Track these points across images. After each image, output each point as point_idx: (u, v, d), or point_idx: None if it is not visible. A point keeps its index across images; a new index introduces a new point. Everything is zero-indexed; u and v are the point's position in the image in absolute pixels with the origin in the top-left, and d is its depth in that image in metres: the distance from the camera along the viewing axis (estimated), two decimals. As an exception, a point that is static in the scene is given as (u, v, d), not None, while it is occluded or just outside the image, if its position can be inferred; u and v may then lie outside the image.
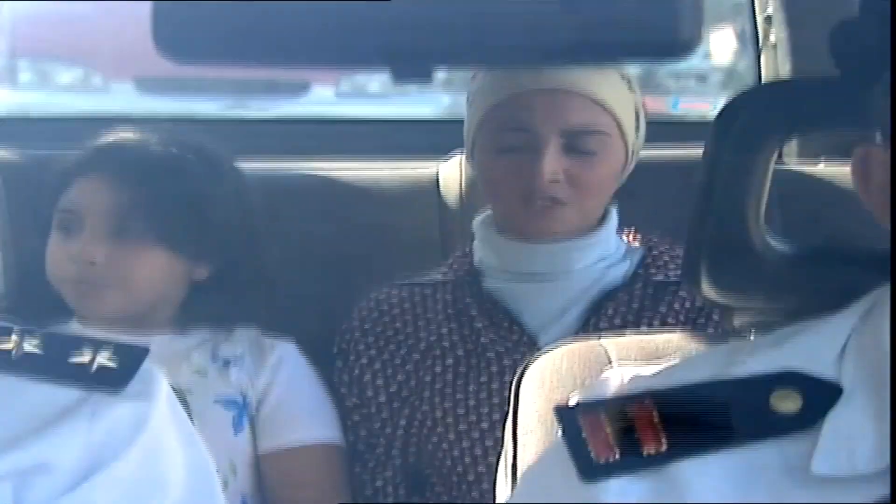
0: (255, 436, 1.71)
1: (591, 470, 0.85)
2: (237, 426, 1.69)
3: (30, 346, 1.02)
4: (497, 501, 1.06)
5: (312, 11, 0.67)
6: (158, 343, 1.07)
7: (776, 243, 1.04)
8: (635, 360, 0.95)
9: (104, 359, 1.01)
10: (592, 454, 0.86)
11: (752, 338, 1.02)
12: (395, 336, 1.71)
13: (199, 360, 1.71)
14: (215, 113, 4.57)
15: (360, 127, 2.66)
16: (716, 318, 1.63)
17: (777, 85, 1.30)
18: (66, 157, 1.74)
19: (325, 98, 5.02)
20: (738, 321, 1.06)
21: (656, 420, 0.86)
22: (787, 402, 0.85)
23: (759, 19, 2.12)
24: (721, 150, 1.03)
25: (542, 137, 1.61)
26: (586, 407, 0.89)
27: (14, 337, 1.02)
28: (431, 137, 2.00)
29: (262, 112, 4.71)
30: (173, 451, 1.03)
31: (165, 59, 0.66)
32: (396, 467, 1.71)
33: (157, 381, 1.03)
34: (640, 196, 1.74)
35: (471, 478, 1.63)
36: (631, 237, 1.76)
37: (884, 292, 0.88)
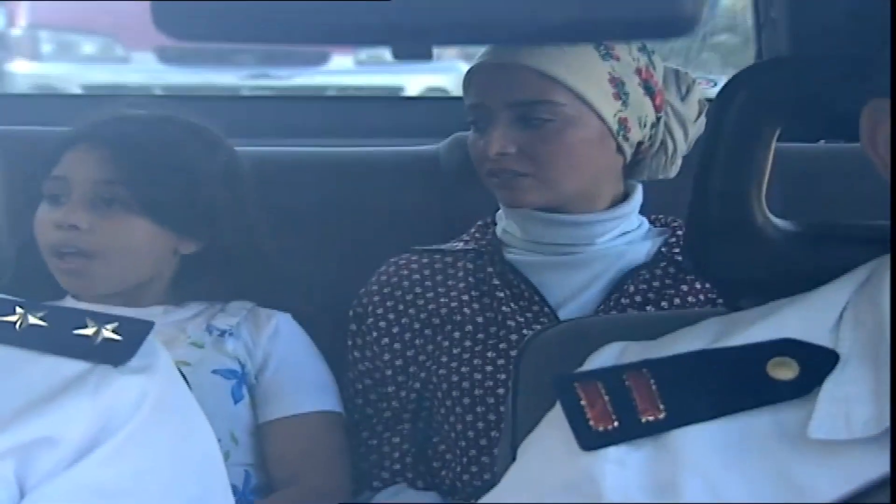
0: (255, 405, 1.72)
1: (589, 438, 0.86)
2: (236, 396, 1.70)
3: (34, 318, 1.03)
4: (499, 473, 1.07)
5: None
6: (152, 315, 1.08)
7: (777, 221, 1.04)
8: (633, 337, 0.95)
9: (108, 332, 1.02)
10: (591, 423, 0.86)
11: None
12: (414, 301, 1.71)
13: (194, 332, 1.72)
14: (235, 83, 4.66)
15: (365, 103, 2.67)
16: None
17: (777, 63, 1.30)
18: (60, 132, 1.74)
19: (344, 67, 5.08)
20: (739, 299, 1.06)
21: (654, 388, 0.87)
22: (784, 370, 0.85)
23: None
24: (722, 128, 1.03)
25: (491, 111, 1.63)
26: (584, 377, 0.90)
27: (19, 309, 1.03)
28: (438, 114, 2.00)
29: (282, 81, 4.79)
30: (176, 424, 1.03)
31: (163, 35, 0.66)
32: (405, 434, 1.71)
33: (161, 354, 1.04)
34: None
35: (483, 443, 1.64)
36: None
37: (881, 262, 0.89)
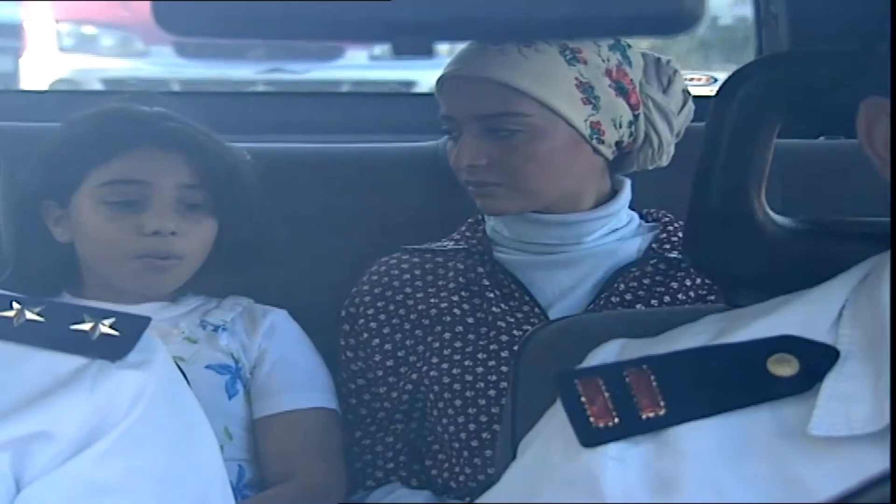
0: (250, 401, 1.72)
1: (589, 435, 0.86)
2: (230, 391, 1.70)
3: (31, 314, 1.02)
4: (498, 470, 1.07)
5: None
6: (147, 311, 1.08)
7: (777, 218, 1.04)
8: (633, 334, 0.95)
9: (106, 327, 1.02)
10: (591, 420, 0.86)
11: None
12: (404, 301, 1.71)
13: (188, 328, 1.71)
14: (250, 77, 4.79)
15: (366, 99, 2.67)
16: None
17: (778, 59, 1.30)
18: (79, 130, 1.71)
19: (358, 62, 5.15)
20: (738, 295, 1.06)
21: (654, 385, 0.86)
22: (784, 366, 0.85)
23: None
24: (723, 124, 1.03)
25: (460, 124, 1.63)
26: (585, 373, 0.90)
27: (16, 305, 1.03)
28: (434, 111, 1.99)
29: (297, 76, 4.90)
30: (174, 419, 1.03)
31: (164, 31, 0.66)
32: (398, 433, 1.71)
33: (158, 349, 1.04)
34: (642, 170, 1.74)
35: (475, 444, 1.63)
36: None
37: (881, 259, 0.89)
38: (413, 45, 0.69)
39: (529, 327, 1.62)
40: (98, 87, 5.00)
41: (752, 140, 1.02)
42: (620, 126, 1.65)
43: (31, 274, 1.68)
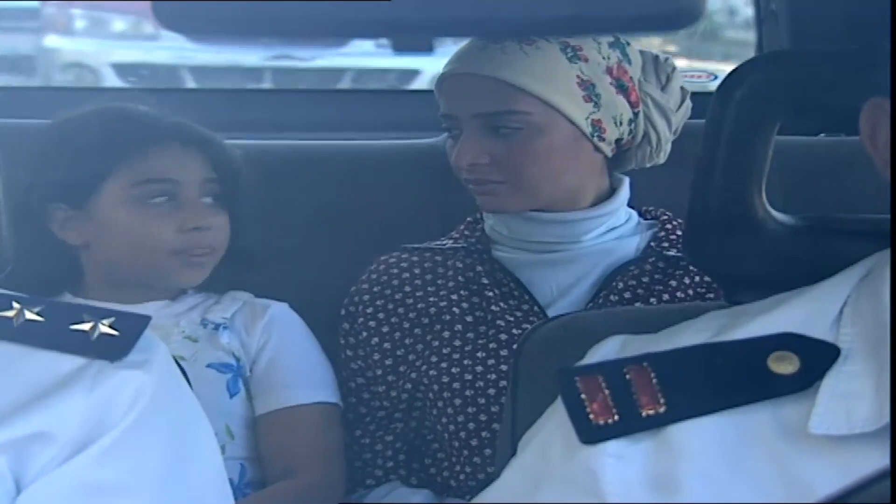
0: (251, 397, 1.72)
1: (589, 432, 0.86)
2: (232, 390, 1.70)
3: (31, 314, 1.02)
4: (498, 467, 1.07)
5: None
6: (147, 309, 1.08)
7: (777, 215, 1.04)
8: (633, 331, 0.95)
9: (105, 327, 1.01)
10: (591, 417, 0.86)
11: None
12: (403, 300, 1.71)
13: (188, 326, 1.71)
14: (259, 63, 4.89)
15: (365, 96, 2.67)
16: (724, 293, 1.64)
17: (778, 56, 1.30)
18: (90, 130, 1.70)
19: (363, 49, 5.19)
20: (739, 293, 1.06)
21: (655, 382, 0.86)
22: (785, 364, 0.85)
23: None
24: (723, 122, 1.03)
25: (459, 122, 1.63)
26: (585, 370, 0.90)
27: (16, 305, 1.03)
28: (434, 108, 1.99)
29: (304, 63, 5.00)
30: (174, 419, 1.03)
31: (164, 29, 0.66)
32: (398, 432, 1.71)
33: (158, 348, 1.03)
34: (641, 168, 1.73)
35: (474, 443, 1.63)
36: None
37: (882, 256, 0.89)
38: (413, 42, 0.69)
39: (529, 326, 1.61)
40: (109, 71, 5.10)
41: (753, 137, 1.02)
42: (621, 124, 1.65)
43: (33, 276, 1.68)
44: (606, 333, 0.95)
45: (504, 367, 1.63)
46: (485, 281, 1.69)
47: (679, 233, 1.70)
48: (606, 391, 0.87)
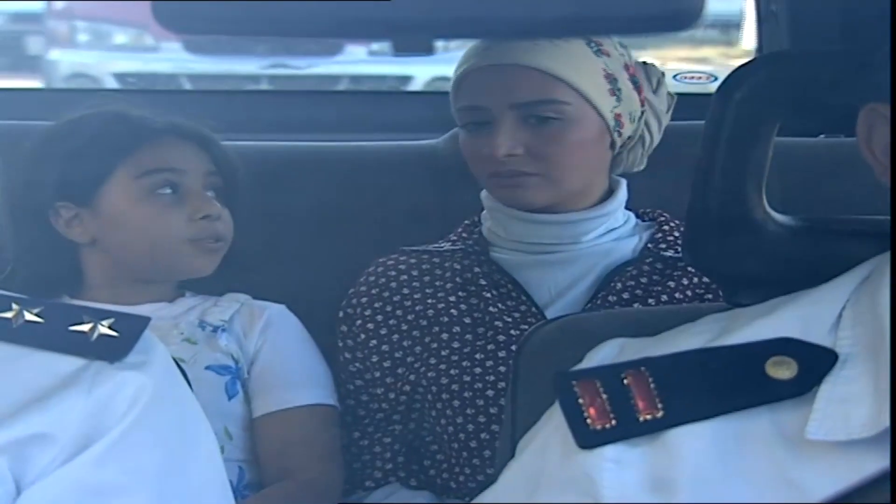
0: (248, 399, 1.72)
1: (587, 437, 0.86)
2: (230, 391, 1.70)
3: (30, 315, 1.02)
4: (498, 469, 1.06)
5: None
6: (147, 312, 1.08)
7: (777, 216, 1.04)
8: (632, 333, 0.95)
9: (105, 328, 1.01)
10: (589, 421, 0.86)
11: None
12: (401, 302, 1.71)
13: (187, 328, 1.71)
14: (255, 71, 5.12)
15: (363, 97, 2.67)
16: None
17: (777, 57, 1.30)
18: (94, 128, 1.70)
19: (357, 57, 5.37)
20: (738, 294, 1.06)
21: (653, 387, 0.86)
22: (783, 369, 0.85)
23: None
24: (722, 123, 1.03)
25: (494, 113, 1.62)
26: (583, 375, 0.89)
27: (15, 306, 1.02)
28: (432, 109, 2.00)
29: (299, 70, 5.21)
30: (173, 419, 1.03)
31: (163, 29, 0.66)
32: (396, 434, 1.71)
33: (157, 349, 1.03)
34: (641, 169, 1.74)
35: (473, 444, 1.63)
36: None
37: (881, 260, 0.88)
38: (413, 44, 0.69)
39: (527, 327, 1.62)
40: (111, 80, 5.29)
41: (752, 138, 1.02)
42: (634, 120, 1.66)
43: (33, 277, 1.68)
44: (605, 335, 0.95)
45: (502, 369, 1.63)
46: (483, 282, 1.69)
47: (677, 234, 1.70)
48: (604, 396, 0.87)
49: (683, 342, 0.90)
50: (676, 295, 1.65)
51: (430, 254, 1.74)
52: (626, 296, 1.65)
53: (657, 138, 1.70)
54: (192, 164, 1.71)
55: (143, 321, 1.03)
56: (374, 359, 1.71)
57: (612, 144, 1.66)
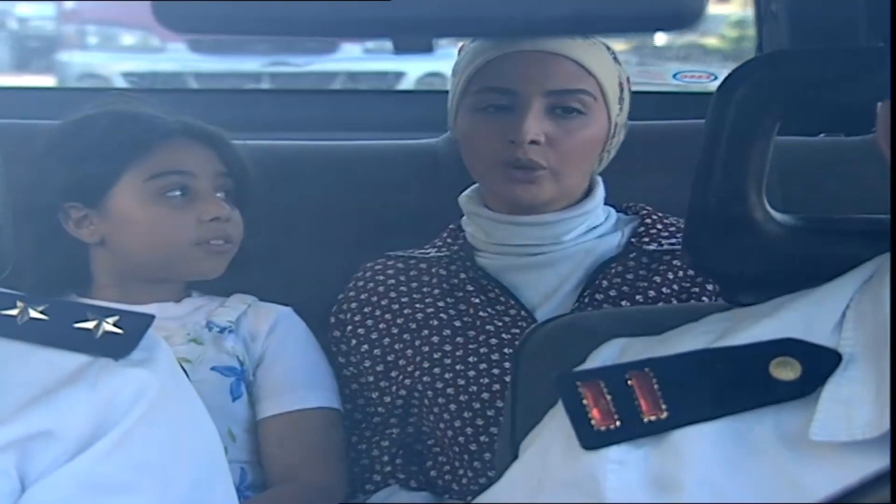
0: (253, 401, 1.72)
1: (591, 438, 0.86)
2: (235, 393, 1.70)
3: (35, 312, 1.02)
4: (498, 469, 1.07)
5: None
6: (153, 312, 1.08)
7: (777, 216, 1.04)
8: (633, 332, 0.95)
9: (109, 325, 1.02)
10: (593, 422, 0.86)
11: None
12: (389, 306, 1.71)
13: (194, 328, 1.71)
14: (257, 69, 5.42)
15: (361, 98, 2.67)
16: (710, 287, 1.64)
17: (778, 56, 1.30)
18: (103, 128, 1.70)
19: (352, 55, 5.63)
20: (739, 294, 1.06)
21: (656, 388, 0.86)
22: (787, 370, 0.85)
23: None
24: (722, 122, 1.03)
25: (526, 98, 1.61)
26: (587, 375, 0.89)
27: (20, 303, 1.03)
28: (433, 109, 1.99)
29: (298, 68, 5.51)
30: (177, 417, 1.03)
31: (164, 28, 0.66)
32: (394, 438, 1.71)
33: (161, 348, 1.04)
34: (640, 168, 1.74)
35: (473, 447, 1.63)
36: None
37: (883, 260, 0.88)
38: (413, 43, 0.69)
39: (518, 330, 1.62)
40: (120, 80, 5.57)
41: (752, 138, 1.02)
42: (619, 133, 1.68)
43: (41, 276, 1.68)
44: (606, 334, 0.95)
45: (496, 371, 1.63)
46: (470, 288, 1.69)
47: (660, 226, 1.71)
48: (608, 397, 0.87)
49: (687, 342, 0.90)
50: (663, 289, 1.65)
51: (417, 259, 1.74)
52: (612, 293, 1.65)
53: (617, 147, 1.71)
54: (202, 166, 1.71)
55: (148, 318, 1.04)
56: (367, 363, 1.71)
57: (604, 149, 1.67)
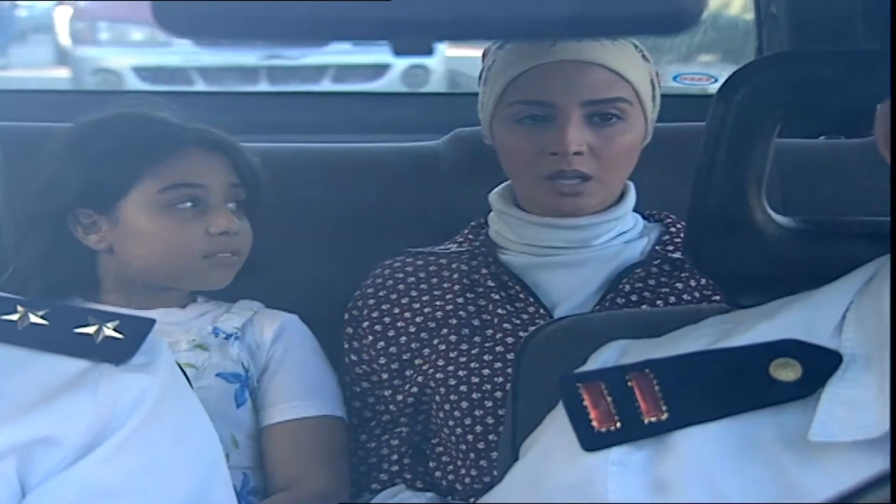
0: (257, 408, 1.72)
1: (591, 439, 0.86)
2: (239, 399, 1.70)
3: (35, 317, 1.02)
4: (500, 470, 1.07)
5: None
6: (158, 317, 1.08)
7: (777, 218, 1.04)
8: (634, 334, 0.95)
9: (110, 330, 1.02)
10: (594, 424, 0.86)
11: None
12: (409, 304, 1.71)
13: (199, 334, 1.71)
14: (254, 62, 5.89)
15: (359, 99, 2.67)
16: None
17: (778, 58, 1.30)
18: (117, 136, 1.70)
19: (342, 48, 5.90)
20: (739, 296, 1.06)
21: (657, 390, 0.86)
22: (787, 371, 0.85)
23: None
24: (723, 124, 1.03)
25: (565, 109, 1.61)
26: (587, 377, 0.90)
27: (20, 308, 1.03)
28: (432, 111, 2.00)
29: (293, 61, 5.95)
30: (178, 422, 1.03)
31: (163, 32, 0.66)
32: (403, 436, 1.71)
33: (162, 352, 1.04)
34: (640, 170, 1.74)
35: (481, 446, 1.63)
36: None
37: (884, 262, 0.88)
38: (413, 45, 0.69)
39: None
40: (130, 74, 6.02)
41: (753, 140, 1.02)
42: (651, 127, 1.68)
43: (48, 279, 1.68)
44: (608, 336, 0.95)
45: (510, 370, 1.62)
46: (490, 284, 1.69)
47: (683, 235, 1.70)
48: (608, 398, 0.87)
49: (687, 344, 0.90)
50: (684, 296, 1.66)
51: (437, 255, 1.74)
52: (633, 297, 1.65)
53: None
54: (215, 178, 1.70)
55: (148, 323, 1.04)
56: (382, 361, 1.71)
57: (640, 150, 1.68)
